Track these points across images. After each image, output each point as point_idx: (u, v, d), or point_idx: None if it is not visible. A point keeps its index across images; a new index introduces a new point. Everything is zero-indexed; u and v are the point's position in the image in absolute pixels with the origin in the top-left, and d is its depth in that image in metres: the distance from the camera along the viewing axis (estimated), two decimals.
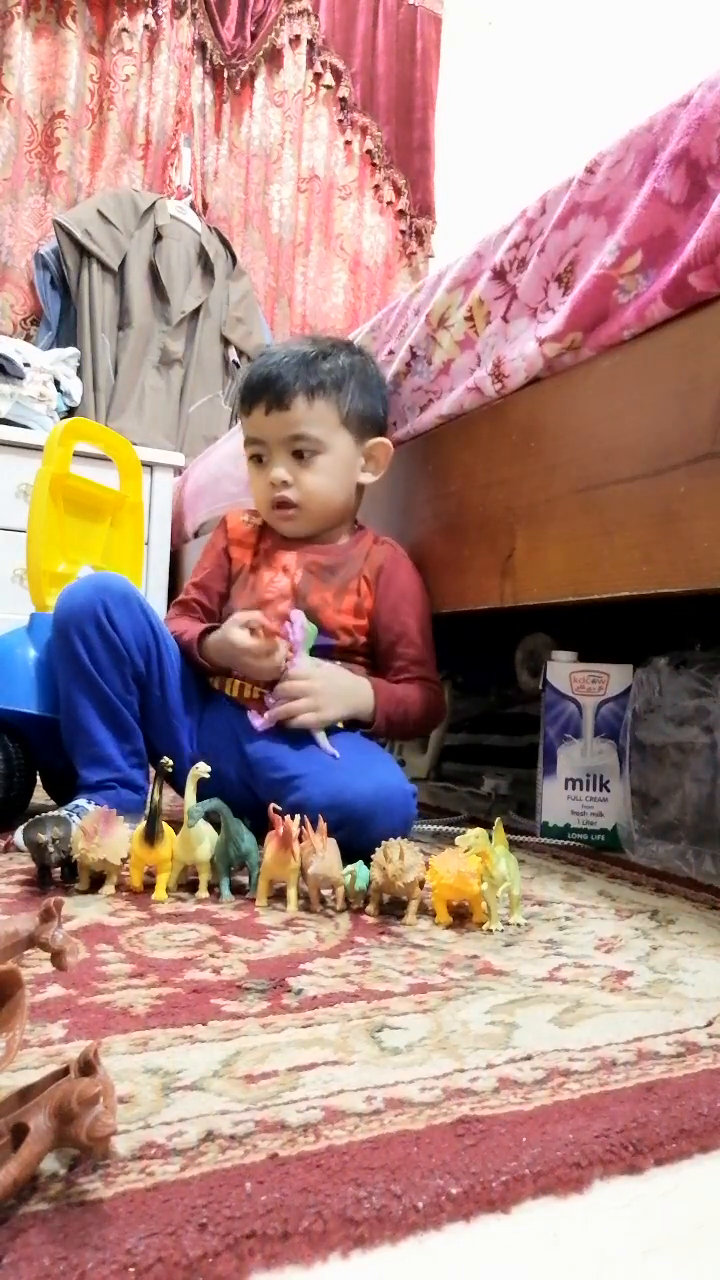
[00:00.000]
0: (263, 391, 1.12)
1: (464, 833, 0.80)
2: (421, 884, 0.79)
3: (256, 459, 1.15)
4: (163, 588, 2.34)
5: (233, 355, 2.90)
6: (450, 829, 1.19)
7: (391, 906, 0.81)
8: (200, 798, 1.11)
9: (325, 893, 0.81)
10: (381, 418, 1.21)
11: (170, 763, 0.84)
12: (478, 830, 0.79)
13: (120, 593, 1.05)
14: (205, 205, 3.06)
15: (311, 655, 1.09)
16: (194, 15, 3.03)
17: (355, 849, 0.84)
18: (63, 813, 0.90)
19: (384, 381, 1.25)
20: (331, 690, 1.04)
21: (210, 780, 1.00)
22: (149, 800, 0.83)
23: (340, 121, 3.33)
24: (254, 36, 3.11)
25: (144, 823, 0.83)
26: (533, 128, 3.21)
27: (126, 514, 1.39)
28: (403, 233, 3.46)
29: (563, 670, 1.15)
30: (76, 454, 1.28)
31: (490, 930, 0.75)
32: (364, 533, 1.23)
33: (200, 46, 3.06)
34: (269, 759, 1.02)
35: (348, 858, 0.82)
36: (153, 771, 1.03)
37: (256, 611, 1.06)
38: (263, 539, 1.21)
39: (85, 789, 1.00)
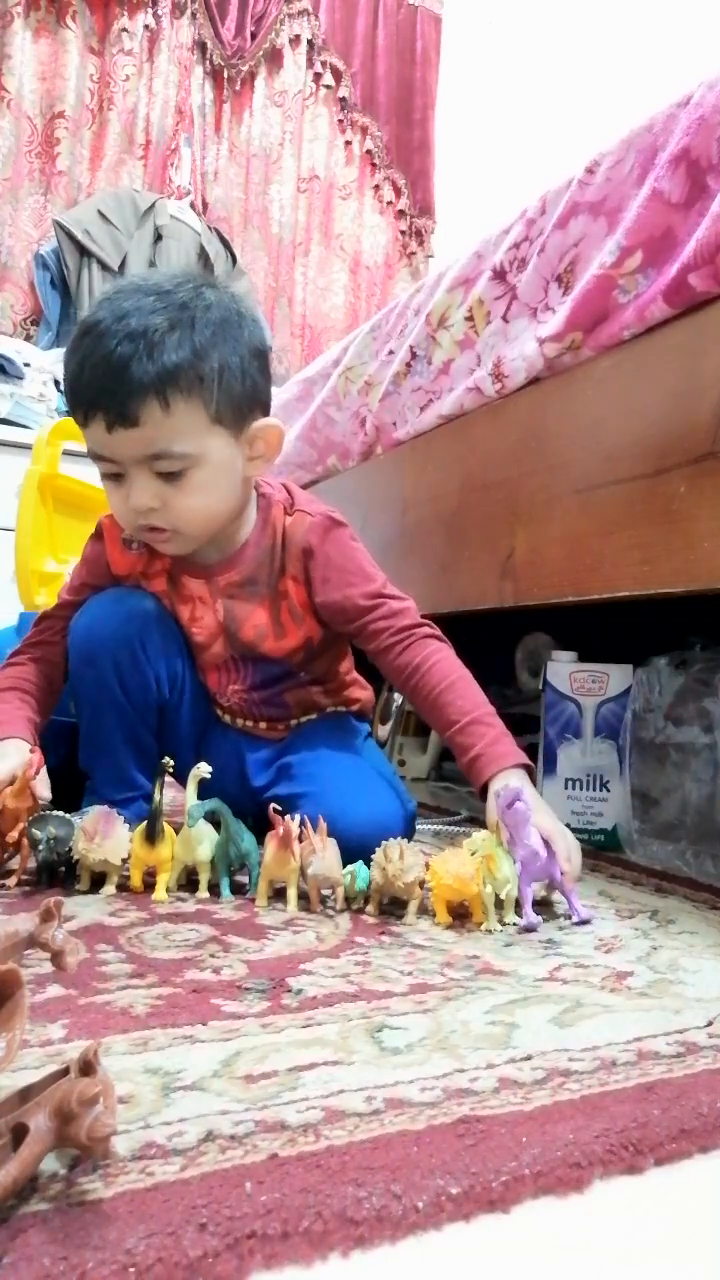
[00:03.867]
0: (97, 401, 0.82)
1: (464, 832, 0.80)
2: (421, 884, 0.79)
3: (113, 476, 0.88)
4: None
5: None
6: (450, 829, 1.19)
7: (391, 906, 0.81)
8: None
9: (325, 893, 0.81)
10: (261, 388, 0.91)
11: (171, 762, 0.84)
12: (484, 834, 0.79)
13: (153, 617, 0.97)
14: (205, 205, 3.06)
15: (265, 686, 1.01)
16: (194, 15, 3.03)
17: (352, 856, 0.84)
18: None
19: (257, 322, 0.92)
20: (558, 834, 0.83)
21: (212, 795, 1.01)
22: (150, 801, 0.83)
23: (340, 121, 3.33)
24: (254, 36, 3.11)
25: (144, 823, 0.83)
26: (533, 128, 3.21)
27: None
28: (403, 233, 3.46)
29: (563, 670, 1.15)
30: (69, 453, 1.29)
31: (490, 930, 0.75)
32: (268, 503, 0.99)
33: (200, 46, 3.06)
34: (271, 780, 1.01)
35: (349, 859, 0.82)
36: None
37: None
38: (153, 561, 0.99)
39: (108, 804, 0.95)
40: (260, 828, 0.85)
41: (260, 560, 0.97)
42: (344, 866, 0.80)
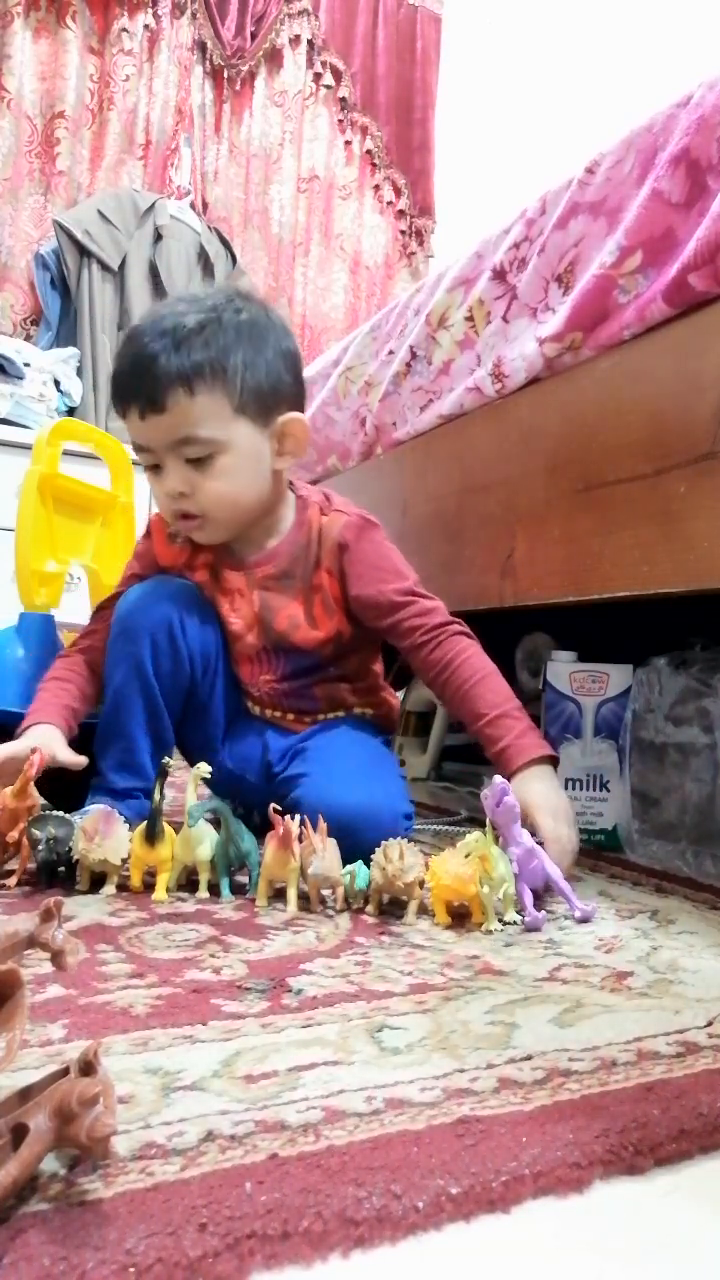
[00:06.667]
0: (130, 390, 0.92)
1: (464, 832, 0.80)
2: (421, 884, 0.79)
3: (152, 467, 0.97)
4: None
5: None
6: (450, 829, 1.19)
7: (391, 906, 0.81)
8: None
9: (325, 893, 0.81)
10: (289, 385, 0.99)
11: (171, 762, 0.84)
12: (477, 835, 0.79)
13: (194, 600, 1.02)
14: (205, 205, 3.06)
15: (296, 678, 1.04)
16: (194, 15, 3.03)
17: (343, 858, 0.84)
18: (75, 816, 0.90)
19: (288, 332, 1.00)
20: (563, 812, 0.88)
21: (232, 787, 1.03)
22: (151, 800, 0.83)
23: (340, 121, 3.33)
24: (254, 36, 3.11)
25: (144, 823, 0.83)
26: (533, 128, 3.21)
27: (118, 514, 1.39)
28: (403, 233, 3.46)
29: (563, 670, 1.15)
30: (69, 453, 1.28)
31: (489, 931, 0.75)
32: (304, 504, 1.05)
33: (200, 46, 3.06)
34: (287, 762, 1.03)
35: (348, 858, 0.82)
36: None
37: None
38: (196, 555, 1.05)
39: (109, 793, 0.97)
40: (265, 826, 0.85)
41: (296, 556, 1.03)
42: (344, 864, 0.81)
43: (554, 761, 0.93)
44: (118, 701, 0.99)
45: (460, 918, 0.78)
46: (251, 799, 1.03)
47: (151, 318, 0.94)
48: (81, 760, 0.92)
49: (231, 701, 1.07)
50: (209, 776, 0.85)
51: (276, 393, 0.96)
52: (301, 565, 1.03)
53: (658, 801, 1.09)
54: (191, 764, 1.08)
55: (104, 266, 2.68)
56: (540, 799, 0.87)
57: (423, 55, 3.44)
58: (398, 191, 3.44)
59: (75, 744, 1.04)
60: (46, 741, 0.92)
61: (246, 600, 1.03)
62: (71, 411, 2.61)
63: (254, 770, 1.04)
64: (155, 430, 0.93)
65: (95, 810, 0.83)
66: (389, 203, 3.43)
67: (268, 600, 1.03)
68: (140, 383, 0.91)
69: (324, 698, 1.07)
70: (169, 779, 1.01)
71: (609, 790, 1.13)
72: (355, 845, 0.83)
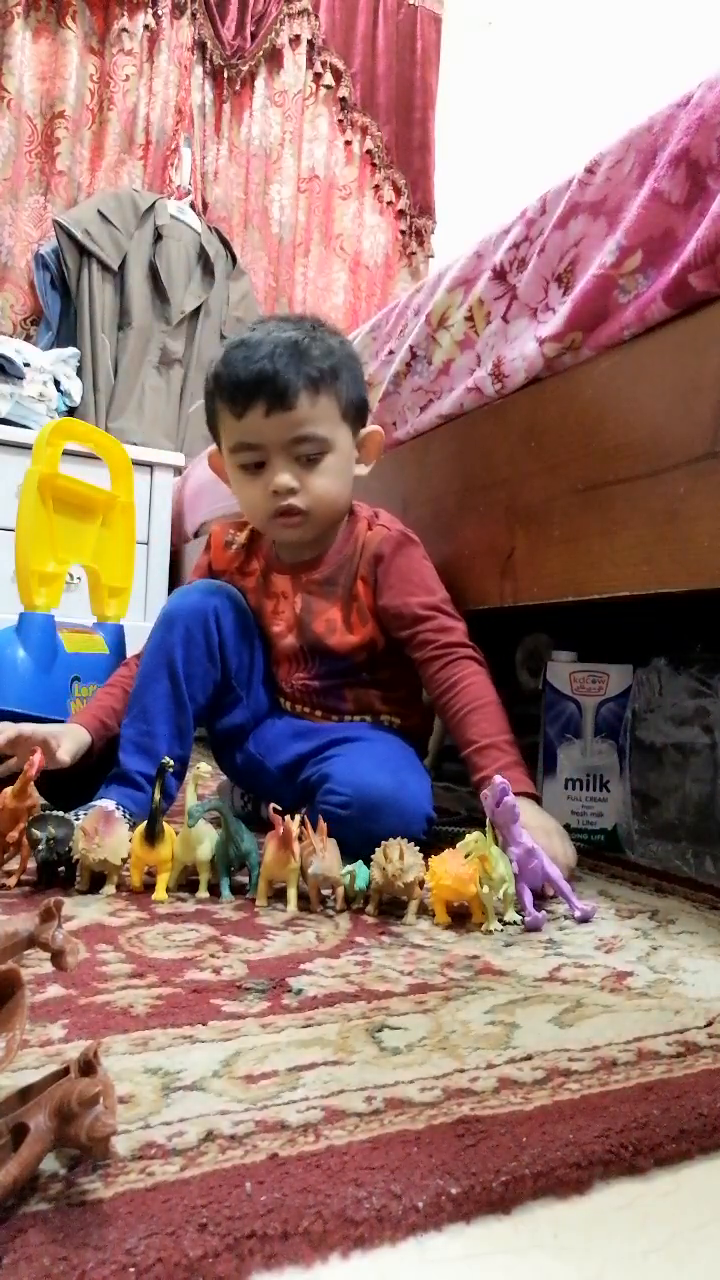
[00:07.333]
0: (259, 390, 1.00)
1: (463, 832, 0.80)
2: (421, 884, 0.79)
3: (251, 466, 1.04)
4: (163, 587, 2.35)
5: None
6: (450, 829, 1.19)
7: (391, 906, 0.81)
8: (245, 793, 1.15)
9: (325, 893, 0.81)
10: (368, 404, 1.13)
11: (171, 762, 0.84)
12: (476, 835, 0.79)
13: (236, 603, 1.09)
14: (205, 205, 3.06)
15: (328, 678, 1.09)
16: (194, 15, 3.03)
17: (360, 842, 0.84)
18: (80, 811, 0.90)
19: (361, 361, 1.14)
20: (555, 830, 0.91)
21: (251, 771, 1.09)
22: (151, 800, 0.83)
23: (340, 121, 3.33)
24: (254, 36, 3.11)
25: (144, 823, 0.83)
26: (533, 128, 3.21)
27: (118, 514, 1.39)
28: (403, 233, 3.46)
29: (563, 670, 1.15)
30: (69, 453, 1.29)
31: (489, 931, 0.75)
32: (355, 518, 1.14)
33: (200, 46, 3.06)
34: (315, 745, 1.06)
35: (350, 857, 0.82)
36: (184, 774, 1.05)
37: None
38: (249, 561, 1.15)
39: (119, 781, 0.99)
40: (296, 810, 0.86)
41: (341, 564, 1.10)
42: (357, 852, 0.81)
43: (536, 800, 0.95)
44: (144, 683, 1.03)
45: (460, 918, 0.78)
46: (266, 785, 1.08)
47: (263, 333, 1.02)
48: (64, 761, 0.95)
49: (266, 698, 1.13)
50: (207, 777, 0.85)
51: (365, 407, 1.09)
52: (345, 573, 1.10)
53: (658, 801, 1.09)
54: (216, 753, 1.11)
55: (104, 266, 2.68)
56: (530, 817, 0.89)
57: (423, 55, 3.44)
58: (398, 191, 3.43)
59: (104, 749, 1.05)
60: (61, 735, 0.96)
61: (289, 603, 1.10)
62: (71, 411, 2.61)
63: (275, 757, 1.08)
64: (277, 427, 1.01)
65: (95, 810, 0.83)
66: (389, 203, 3.43)
67: (309, 603, 1.10)
68: (268, 384, 0.99)
69: (354, 700, 1.11)
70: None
71: (609, 790, 1.13)
72: (377, 828, 0.85)
